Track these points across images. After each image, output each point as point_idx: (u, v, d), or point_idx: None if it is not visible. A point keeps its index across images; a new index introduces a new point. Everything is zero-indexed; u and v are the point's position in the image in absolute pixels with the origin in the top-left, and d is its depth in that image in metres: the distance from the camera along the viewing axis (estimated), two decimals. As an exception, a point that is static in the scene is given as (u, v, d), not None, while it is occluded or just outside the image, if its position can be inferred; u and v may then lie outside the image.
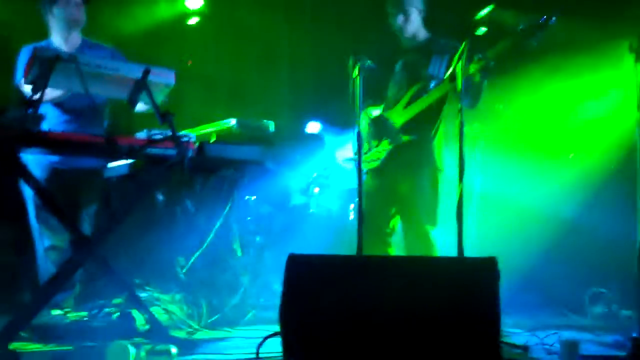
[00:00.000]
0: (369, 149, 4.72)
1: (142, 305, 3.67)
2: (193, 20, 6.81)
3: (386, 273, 2.76)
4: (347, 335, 2.69)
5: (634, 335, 3.74)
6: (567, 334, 4.14)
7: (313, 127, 6.95)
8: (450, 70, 4.25)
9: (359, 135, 4.08)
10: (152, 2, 6.67)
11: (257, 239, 5.72)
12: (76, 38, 4.47)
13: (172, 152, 3.60)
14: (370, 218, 4.35)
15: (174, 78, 3.75)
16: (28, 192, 4.20)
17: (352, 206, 6.10)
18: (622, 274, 5.11)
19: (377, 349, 2.65)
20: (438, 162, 4.67)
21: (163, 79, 3.70)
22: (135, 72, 3.60)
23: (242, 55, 7.32)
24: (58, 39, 4.45)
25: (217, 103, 6.92)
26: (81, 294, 4.31)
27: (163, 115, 3.57)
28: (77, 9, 4.37)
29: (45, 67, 3.38)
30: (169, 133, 3.59)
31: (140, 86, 3.63)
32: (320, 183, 6.10)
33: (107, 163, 4.16)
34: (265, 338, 3.20)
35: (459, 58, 4.15)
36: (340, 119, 7.04)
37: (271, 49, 7.47)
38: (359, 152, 4.08)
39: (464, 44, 4.19)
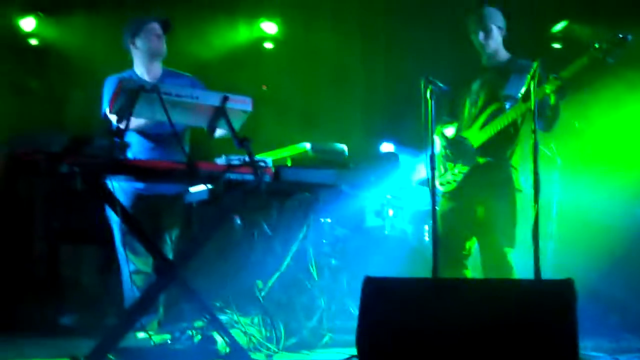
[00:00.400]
0: (445, 171, 4.72)
1: (223, 328, 3.75)
2: (268, 45, 6.96)
3: (462, 296, 2.78)
4: (422, 358, 2.71)
5: None
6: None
7: (387, 148, 6.98)
8: (523, 90, 4.25)
9: (432, 157, 4.10)
10: (229, 28, 6.87)
11: (333, 261, 5.76)
12: (157, 68, 4.65)
13: (249, 177, 3.70)
14: (446, 241, 4.36)
15: (251, 105, 3.84)
16: (114, 218, 4.37)
17: (426, 227, 6.10)
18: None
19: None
20: (516, 182, 4.63)
21: (240, 105, 3.79)
22: (213, 99, 3.72)
23: (315, 78, 7.44)
24: (140, 69, 4.64)
25: (290, 127, 7.03)
26: (164, 318, 4.44)
27: (241, 141, 3.67)
28: (158, 40, 4.56)
29: (130, 97, 3.53)
30: (247, 158, 3.70)
31: (219, 113, 3.75)
32: (394, 205, 6.11)
33: (188, 188, 4.30)
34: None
35: (532, 77, 4.17)
36: (413, 139, 7.09)
37: (344, 72, 7.54)
38: (431, 173, 4.09)
39: (536, 62, 4.18)
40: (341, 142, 5.58)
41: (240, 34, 6.94)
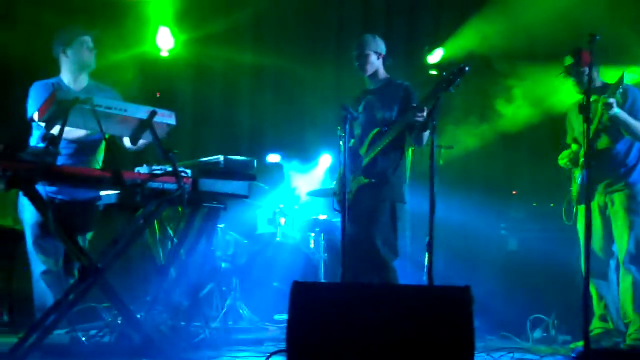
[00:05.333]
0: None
1: (139, 326, 3.97)
2: (164, 54, 7.14)
3: (377, 300, 3.18)
4: (342, 355, 3.08)
5: (573, 355, 4.30)
6: (518, 355, 4.62)
7: (273, 159, 7.34)
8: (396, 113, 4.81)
9: (344, 175, 4.51)
10: (123, 37, 6.96)
11: (223, 265, 6.07)
12: (84, 79, 4.80)
13: (170, 186, 3.96)
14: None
15: (175, 119, 4.09)
16: (26, 220, 4.47)
17: (312, 235, 6.50)
18: (561, 302, 5.72)
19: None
20: (399, 196, 5.04)
21: (166, 119, 4.03)
22: (141, 113, 3.94)
23: (206, 89, 7.67)
24: (68, 78, 4.76)
25: (180, 137, 7.21)
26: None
27: (166, 153, 3.92)
28: (89, 53, 4.71)
29: (64, 107, 3.70)
30: (167, 168, 3.96)
31: (145, 126, 3.98)
32: (286, 214, 6.47)
33: (99, 193, 4.49)
34: (272, 354, 3.56)
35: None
36: (299, 151, 7.52)
37: (233, 84, 7.82)
38: (343, 189, 4.50)
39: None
40: (229, 153, 5.90)
41: (135, 43, 7.05)
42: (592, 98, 4.50)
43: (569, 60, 5.20)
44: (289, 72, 7.79)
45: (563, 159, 5.36)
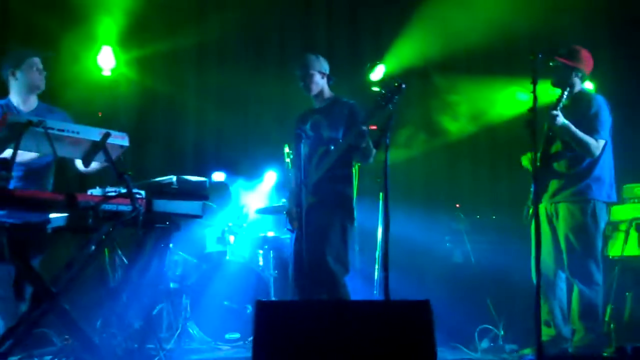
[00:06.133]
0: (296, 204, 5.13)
1: (96, 349, 3.92)
2: (106, 73, 7.08)
3: (340, 316, 3.23)
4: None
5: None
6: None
7: (218, 177, 7.34)
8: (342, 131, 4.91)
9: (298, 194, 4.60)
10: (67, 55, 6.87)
11: (171, 285, 6.02)
12: (33, 100, 4.73)
13: (124, 207, 3.92)
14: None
15: (128, 140, 4.06)
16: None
17: (260, 251, 6.52)
18: (506, 311, 5.88)
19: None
20: (348, 214, 5.08)
21: (119, 141, 4.00)
22: (94, 135, 3.90)
23: (148, 109, 7.63)
24: (16, 100, 4.68)
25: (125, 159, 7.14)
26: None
27: (120, 174, 3.89)
28: (39, 75, 4.63)
29: (16, 130, 3.64)
30: (120, 190, 3.94)
31: (98, 147, 3.95)
32: (235, 232, 6.47)
33: (49, 216, 4.42)
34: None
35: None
36: (243, 168, 7.54)
37: (176, 104, 7.80)
38: (298, 207, 4.55)
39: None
40: (174, 172, 5.87)
41: (77, 61, 6.98)
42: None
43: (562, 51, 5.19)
44: (232, 89, 7.82)
45: (525, 160, 5.32)
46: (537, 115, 4.10)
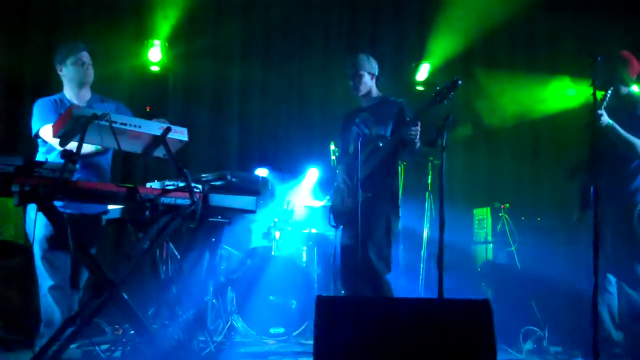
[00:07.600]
0: (342, 200, 5.18)
1: (153, 340, 3.98)
2: (154, 68, 7.16)
3: (400, 313, 3.26)
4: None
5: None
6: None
7: (261, 173, 7.38)
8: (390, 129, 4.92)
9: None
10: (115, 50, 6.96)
11: (222, 279, 6.10)
12: (86, 93, 4.79)
13: (182, 201, 3.98)
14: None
15: (187, 135, 4.12)
16: (36, 235, 4.44)
17: (305, 248, 6.56)
18: (551, 313, 5.85)
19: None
20: (394, 210, 5.10)
21: (179, 135, 4.06)
22: (155, 129, 3.97)
23: (194, 103, 7.69)
24: (70, 93, 4.76)
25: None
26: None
27: (180, 169, 3.95)
28: (84, 69, 4.70)
29: (81, 124, 3.71)
30: (179, 183, 4.00)
31: (158, 142, 4.01)
32: (281, 227, 6.51)
33: (107, 207, 4.51)
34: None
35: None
36: (287, 165, 7.58)
37: (221, 98, 7.86)
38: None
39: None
40: (218, 166, 5.91)
41: (127, 56, 7.08)
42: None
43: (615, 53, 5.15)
44: (276, 85, 7.87)
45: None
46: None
